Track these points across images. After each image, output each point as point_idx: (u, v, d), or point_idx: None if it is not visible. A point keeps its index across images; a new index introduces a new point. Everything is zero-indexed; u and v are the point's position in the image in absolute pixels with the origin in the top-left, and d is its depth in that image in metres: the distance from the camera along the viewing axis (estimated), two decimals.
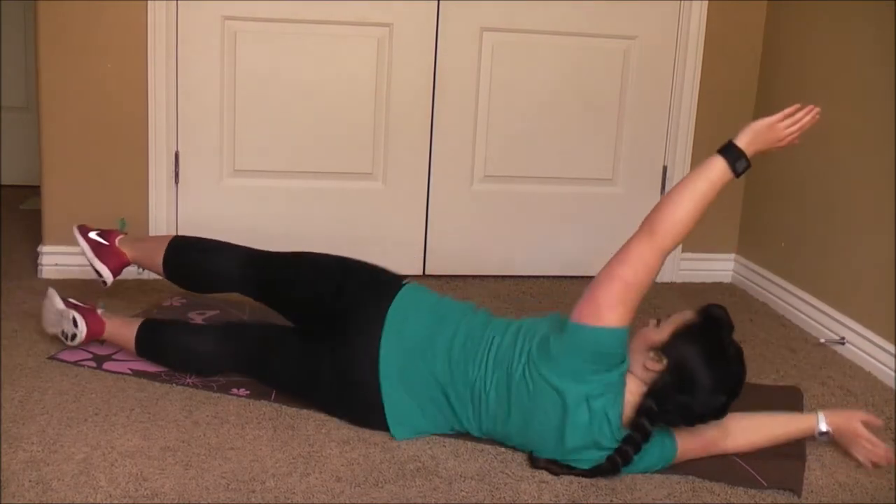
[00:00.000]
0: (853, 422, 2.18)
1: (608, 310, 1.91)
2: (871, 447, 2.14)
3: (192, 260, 2.55)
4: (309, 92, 3.25)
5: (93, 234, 2.67)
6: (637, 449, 1.98)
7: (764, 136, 1.97)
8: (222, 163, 3.26)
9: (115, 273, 2.66)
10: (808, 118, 2.00)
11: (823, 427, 2.18)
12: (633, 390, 1.99)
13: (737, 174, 1.95)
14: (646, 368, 1.97)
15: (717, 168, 1.94)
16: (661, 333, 1.98)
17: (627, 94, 3.45)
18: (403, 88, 3.30)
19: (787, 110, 1.98)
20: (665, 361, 1.95)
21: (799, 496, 2.07)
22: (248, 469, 2.03)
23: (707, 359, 1.94)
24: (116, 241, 2.67)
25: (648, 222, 1.94)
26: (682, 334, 1.97)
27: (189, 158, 3.23)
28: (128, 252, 2.65)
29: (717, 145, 2.02)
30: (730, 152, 1.95)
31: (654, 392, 1.96)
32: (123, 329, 2.49)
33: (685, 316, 2.01)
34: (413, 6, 3.25)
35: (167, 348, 2.46)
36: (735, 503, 2.03)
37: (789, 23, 3.34)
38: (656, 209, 1.95)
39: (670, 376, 1.94)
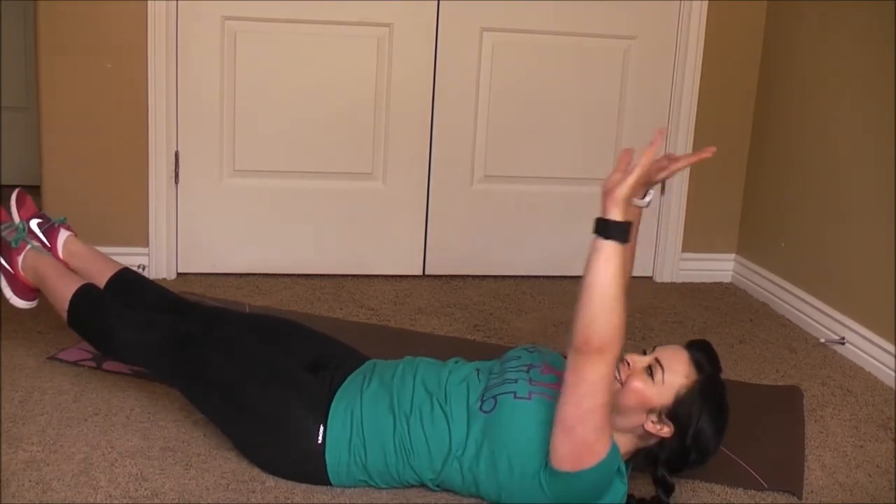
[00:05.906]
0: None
1: (597, 443, 1.79)
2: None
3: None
4: (309, 92, 3.25)
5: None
6: None
7: (629, 194, 1.76)
8: (222, 163, 3.26)
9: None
10: (654, 148, 1.76)
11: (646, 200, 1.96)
12: (624, 443, 1.89)
13: (627, 242, 1.78)
14: (646, 431, 1.88)
15: (614, 251, 1.73)
16: (661, 396, 1.86)
17: (627, 94, 3.45)
18: (403, 88, 3.30)
19: (635, 165, 1.75)
20: (673, 427, 1.87)
21: (800, 498, 2.07)
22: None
23: (714, 422, 1.88)
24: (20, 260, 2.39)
25: (590, 341, 1.73)
26: (687, 401, 1.86)
27: (189, 158, 3.23)
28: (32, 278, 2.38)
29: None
30: (613, 230, 1.74)
31: (667, 461, 1.90)
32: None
33: (680, 368, 1.88)
34: (413, 6, 3.25)
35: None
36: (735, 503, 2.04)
37: (789, 23, 3.33)
38: (589, 323, 1.73)
39: (680, 442, 1.88)
